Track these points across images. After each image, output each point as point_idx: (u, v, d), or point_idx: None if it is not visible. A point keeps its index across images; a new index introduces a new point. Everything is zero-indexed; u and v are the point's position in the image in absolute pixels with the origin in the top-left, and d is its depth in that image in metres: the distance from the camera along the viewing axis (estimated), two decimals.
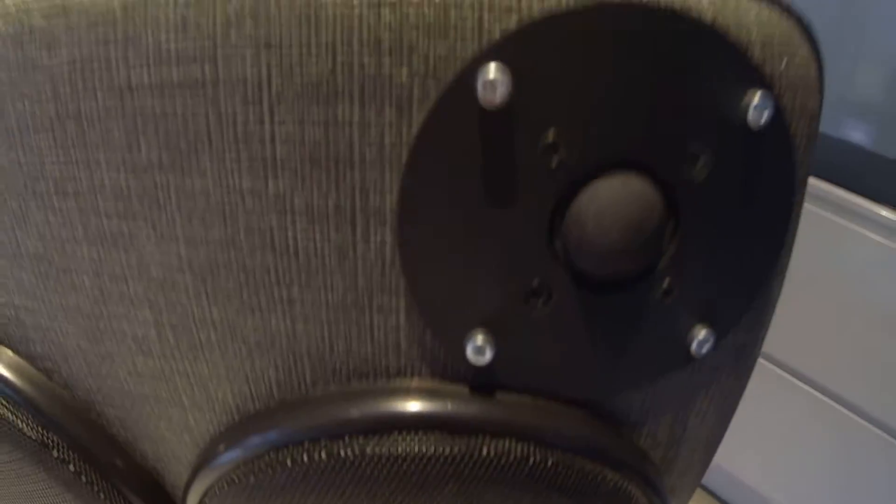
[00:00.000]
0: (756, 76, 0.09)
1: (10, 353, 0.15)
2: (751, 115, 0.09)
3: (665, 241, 0.10)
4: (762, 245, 0.10)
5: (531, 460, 0.11)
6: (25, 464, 0.15)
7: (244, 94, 0.10)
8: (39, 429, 0.15)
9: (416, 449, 0.11)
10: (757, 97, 0.09)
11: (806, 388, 0.65)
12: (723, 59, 0.09)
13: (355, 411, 0.12)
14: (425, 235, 0.10)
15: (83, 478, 0.15)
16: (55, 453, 0.15)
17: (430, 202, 0.10)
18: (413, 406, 0.11)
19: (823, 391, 0.63)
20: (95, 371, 0.14)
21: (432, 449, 0.11)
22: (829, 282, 0.62)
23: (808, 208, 0.59)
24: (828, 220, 0.62)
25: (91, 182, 0.11)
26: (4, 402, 0.15)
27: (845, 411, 0.62)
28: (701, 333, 0.11)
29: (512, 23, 0.09)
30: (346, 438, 0.11)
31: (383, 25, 0.09)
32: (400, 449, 0.11)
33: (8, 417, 0.15)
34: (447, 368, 0.11)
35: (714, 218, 0.10)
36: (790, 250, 0.11)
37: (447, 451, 0.11)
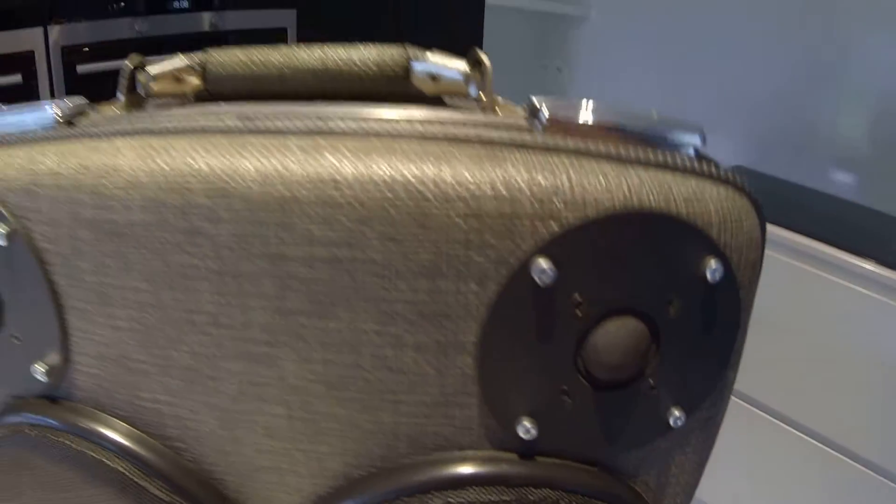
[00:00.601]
0: (714, 248, 0.16)
1: (144, 435, 0.20)
2: (709, 275, 0.16)
3: (650, 356, 0.17)
4: (718, 354, 0.17)
5: (560, 500, 0.18)
6: None
7: (374, 270, 0.16)
8: (169, 492, 0.20)
9: (484, 498, 0.18)
10: (713, 263, 0.16)
11: (793, 431, 0.73)
12: (692, 240, 0.16)
13: (439, 473, 0.18)
14: (495, 360, 0.17)
15: None
16: (165, 497, 0.20)
17: (499, 341, 0.16)
18: (481, 469, 0.18)
19: (810, 434, 0.72)
20: (224, 450, 0.20)
21: (495, 497, 0.18)
22: (815, 332, 0.71)
23: (793, 263, 0.68)
24: (811, 273, 0.71)
25: (244, 319, 0.17)
26: (140, 473, 0.20)
27: (830, 451, 0.70)
28: (676, 412, 0.18)
29: (555, 228, 0.16)
30: (432, 493, 0.18)
31: (471, 230, 0.16)
32: (472, 498, 0.18)
33: (144, 485, 0.20)
34: (503, 442, 0.18)
35: (684, 340, 0.17)
36: (740, 352, 0.18)
37: (504, 498, 0.18)
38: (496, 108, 0.19)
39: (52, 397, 0.21)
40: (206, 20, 0.75)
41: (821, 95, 0.94)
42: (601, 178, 0.16)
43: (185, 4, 0.72)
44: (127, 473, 0.20)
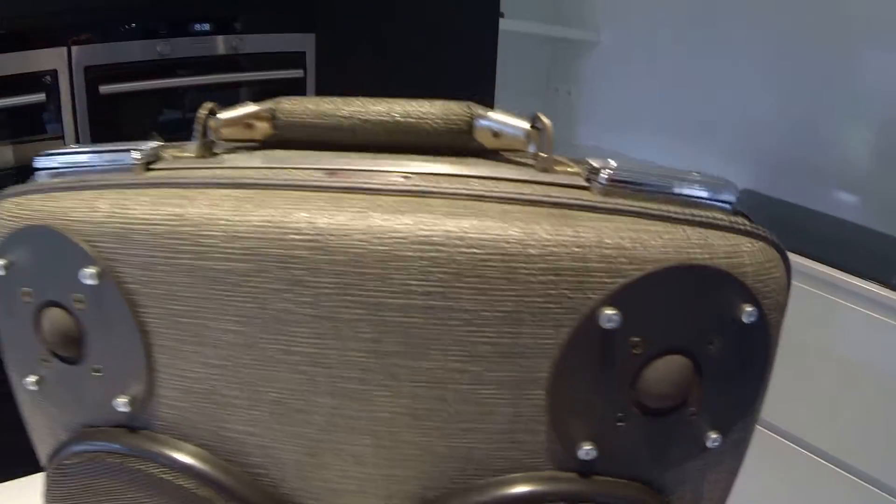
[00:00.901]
0: (749, 295, 0.20)
1: (226, 463, 0.23)
2: (744, 318, 0.20)
3: (693, 387, 0.21)
4: (750, 385, 0.21)
5: None
6: None
7: (464, 318, 0.19)
8: None
9: (552, 489, 0.21)
10: (748, 308, 0.20)
11: (806, 453, 0.77)
12: (731, 289, 0.20)
13: (504, 493, 0.21)
14: (564, 393, 0.20)
15: None
16: None
17: (568, 376, 0.20)
18: (544, 487, 0.21)
19: (822, 455, 0.76)
20: (307, 475, 0.22)
21: None
22: (825, 354, 0.76)
23: (800, 286, 0.73)
24: (815, 294, 0.76)
25: (340, 359, 0.20)
26: (224, 499, 0.23)
27: (842, 472, 0.75)
28: (713, 435, 0.21)
29: (620, 282, 0.19)
30: None
31: (549, 284, 0.19)
32: None
33: None
34: (563, 463, 0.21)
35: (722, 374, 0.21)
36: (768, 381, 0.22)
37: None
38: (555, 166, 0.22)
39: (130, 427, 0.24)
40: (226, 43, 0.77)
41: (826, 119, 1.00)
42: (657, 237, 0.19)
43: (206, 28, 0.75)
44: (212, 499, 0.22)
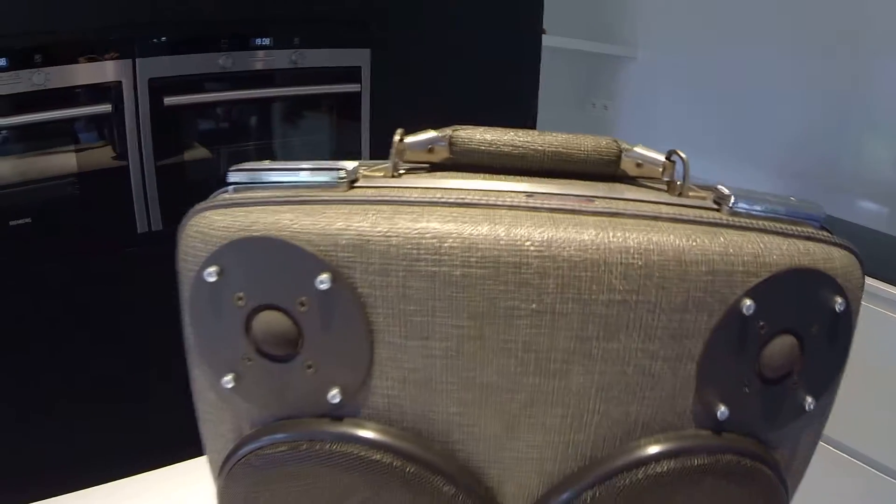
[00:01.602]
0: (840, 290, 0.30)
1: (430, 441, 0.30)
2: (837, 308, 0.30)
3: (797, 362, 0.31)
4: (838, 359, 0.32)
5: (739, 462, 0.31)
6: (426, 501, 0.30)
7: (648, 308, 0.28)
8: (452, 486, 0.30)
9: (692, 462, 0.30)
10: (839, 300, 0.30)
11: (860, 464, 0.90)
12: (828, 285, 0.30)
13: (664, 448, 0.30)
14: (709, 366, 0.29)
15: (455, 498, 0.31)
16: (449, 490, 0.30)
17: (714, 352, 0.29)
18: (692, 442, 0.30)
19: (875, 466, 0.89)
20: (500, 447, 0.30)
21: (703, 462, 0.30)
22: (868, 366, 0.91)
23: None
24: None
25: (549, 344, 0.28)
26: (429, 473, 0.30)
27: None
28: (809, 399, 0.32)
29: (755, 280, 0.29)
30: (662, 461, 0.30)
31: (708, 281, 0.28)
32: (685, 463, 0.30)
33: (433, 483, 0.30)
34: (702, 423, 0.31)
35: (820, 351, 0.31)
36: (847, 357, 0.32)
37: (705, 461, 0.31)
38: (689, 192, 0.32)
39: (335, 416, 0.30)
40: (286, 57, 0.83)
41: (852, 131, 1.16)
42: (778, 247, 0.29)
43: (267, 42, 0.81)
44: (421, 476, 0.30)
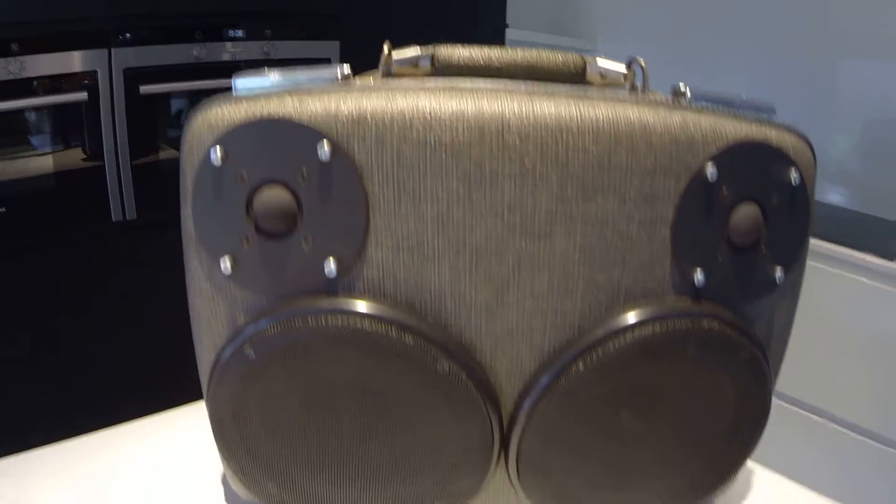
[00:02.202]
0: (794, 163, 0.35)
1: (423, 314, 0.33)
2: (792, 180, 0.35)
3: (763, 231, 0.35)
4: (799, 231, 0.36)
5: (719, 329, 0.34)
6: (422, 382, 0.33)
7: (621, 170, 0.32)
8: (445, 360, 0.33)
9: (676, 325, 0.34)
10: (794, 172, 0.35)
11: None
12: (782, 159, 0.35)
13: (648, 313, 0.33)
14: (682, 231, 0.33)
15: (453, 379, 0.33)
16: (444, 367, 0.33)
17: (685, 217, 0.33)
18: (673, 307, 0.34)
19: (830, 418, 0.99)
20: (491, 316, 0.33)
21: (681, 325, 0.34)
22: (827, 322, 1.01)
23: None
24: (820, 270, 1.03)
25: (532, 205, 0.32)
26: (423, 344, 0.32)
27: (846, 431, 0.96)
28: (778, 271, 0.36)
29: (714, 148, 0.33)
30: (648, 324, 0.33)
31: (672, 149, 0.33)
32: (669, 326, 0.33)
33: (425, 356, 0.32)
34: (682, 290, 0.34)
35: (781, 221, 0.35)
36: (808, 234, 0.36)
37: (687, 325, 0.34)
38: (649, 94, 0.37)
39: (330, 292, 0.33)
40: (258, 48, 0.91)
41: (815, 120, 1.32)
42: (734, 125, 0.34)
43: (239, 34, 0.89)
44: (415, 348, 0.32)
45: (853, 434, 1.02)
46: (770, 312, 0.37)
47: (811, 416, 1.06)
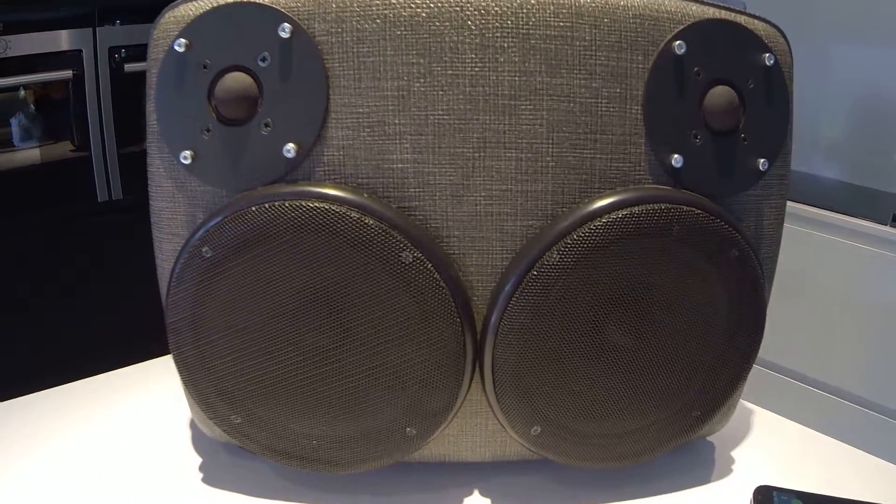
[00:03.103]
0: (767, 47, 0.37)
1: (385, 199, 0.34)
2: (766, 62, 0.37)
3: (741, 116, 0.36)
4: (780, 118, 0.37)
5: (707, 219, 0.35)
6: (386, 276, 0.33)
7: (584, 45, 0.34)
8: (411, 248, 0.33)
9: (654, 209, 0.34)
10: (767, 55, 0.37)
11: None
12: (754, 41, 0.37)
13: (625, 197, 0.34)
14: (654, 110, 0.35)
15: (418, 270, 0.33)
16: (408, 256, 0.33)
17: (656, 95, 0.35)
18: (652, 192, 0.35)
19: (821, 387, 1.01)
20: (458, 200, 0.34)
21: (661, 212, 0.34)
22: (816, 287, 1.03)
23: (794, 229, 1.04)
24: (811, 235, 1.08)
25: (495, 78, 0.34)
26: (385, 227, 0.33)
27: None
28: (762, 160, 0.37)
29: (681, 24, 0.35)
30: (626, 209, 0.34)
31: (637, 24, 0.35)
32: (647, 210, 0.34)
33: (389, 240, 0.33)
34: (660, 178, 0.35)
35: (759, 106, 0.37)
36: (791, 121, 0.38)
37: (666, 212, 0.34)
38: None
39: (289, 179, 0.34)
40: None
41: (802, 95, 1.44)
42: (699, 7, 0.36)
43: None
44: (376, 232, 0.33)
45: (848, 402, 1.07)
46: (757, 210, 0.38)
47: (805, 385, 1.12)
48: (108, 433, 0.47)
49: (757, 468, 0.45)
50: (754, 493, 0.40)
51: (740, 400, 0.52)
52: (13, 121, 0.89)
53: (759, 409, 0.50)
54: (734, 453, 0.46)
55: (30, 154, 0.90)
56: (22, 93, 0.88)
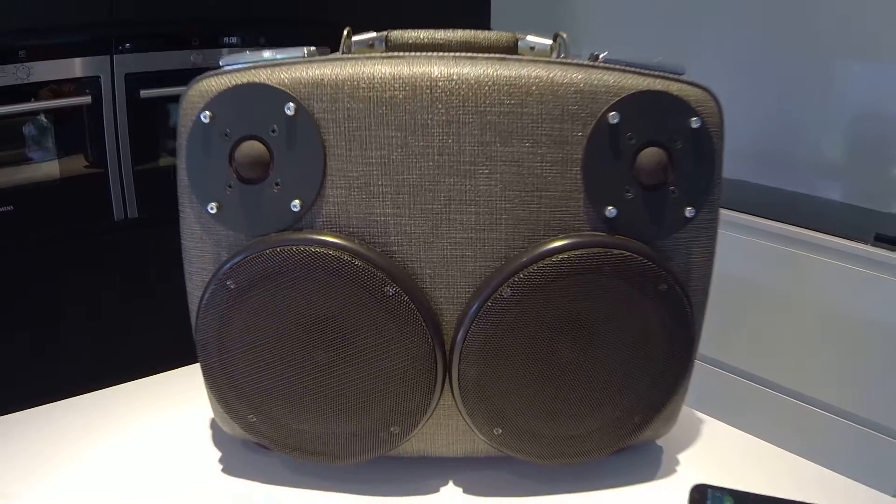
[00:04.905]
0: (694, 111, 0.52)
1: (370, 244, 0.50)
2: (693, 125, 0.51)
3: (670, 172, 0.51)
4: (706, 173, 0.52)
5: (632, 259, 0.50)
6: (373, 306, 0.49)
7: (532, 118, 0.50)
8: (392, 284, 0.50)
9: (590, 253, 0.50)
10: (694, 118, 0.52)
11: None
12: (682, 107, 0.52)
13: (566, 242, 0.50)
14: (592, 170, 0.50)
15: (398, 302, 0.49)
16: (390, 290, 0.49)
17: (593, 158, 0.50)
18: (588, 238, 0.50)
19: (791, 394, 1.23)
20: (429, 245, 0.50)
21: (596, 255, 0.50)
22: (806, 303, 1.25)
23: (774, 247, 1.21)
24: (792, 253, 1.29)
25: (458, 148, 0.50)
26: (371, 268, 0.49)
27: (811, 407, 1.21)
28: (689, 209, 0.52)
29: (617, 97, 0.50)
30: (566, 252, 0.49)
31: (578, 100, 0.50)
32: (584, 254, 0.49)
33: (374, 279, 0.49)
34: (597, 225, 0.51)
35: (687, 163, 0.51)
36: (720, 177, 0.52)
37: (601, 256, 0.50)
38: (570, 59, 0.54)
39: (296, 228, 0.51)
40: None
41: (795, 113, 1.61)
42: (638, 79, 0.51)
43: (235, 41, 1.15)
44: (364, 271, 0.49)
45: (829, 414, 1.32)
46: (687, 250, 0.53)
47: (788, 398, 1.38)
48: (141, 432, 0.65)
49: (697, 469, 0.60)
50: (691, 491, 0.55)
51: (693, 410, 0.67)
52: (31, 140, 1.08)
53: (707, 417, 0.65)
54: (679, 455, 0.61)
55: (49, 171, 1.09)
56: (42, 116, 1.07)
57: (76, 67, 1.10)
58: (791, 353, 1.34)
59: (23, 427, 0.65)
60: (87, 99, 1.11)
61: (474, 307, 0.51)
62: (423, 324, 0.51)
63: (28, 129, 1.06)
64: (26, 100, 1.05)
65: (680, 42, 1.83)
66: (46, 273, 1.12)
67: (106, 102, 1.12)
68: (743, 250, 1.43)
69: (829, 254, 1.26)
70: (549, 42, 0.56)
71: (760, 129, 1.74)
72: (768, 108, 1.72)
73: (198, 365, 0.55)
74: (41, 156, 1.10)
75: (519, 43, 0.57)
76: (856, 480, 0.60)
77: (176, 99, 1.21)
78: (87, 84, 1.11)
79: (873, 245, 1.20)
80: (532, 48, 0.57)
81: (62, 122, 1.11)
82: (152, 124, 1.20)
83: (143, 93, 1.15)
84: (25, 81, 1.02)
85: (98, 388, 0.71)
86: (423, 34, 0.56)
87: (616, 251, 0.51)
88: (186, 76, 1.22)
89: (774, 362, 1.37)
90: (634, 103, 0.51)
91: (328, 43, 1.38)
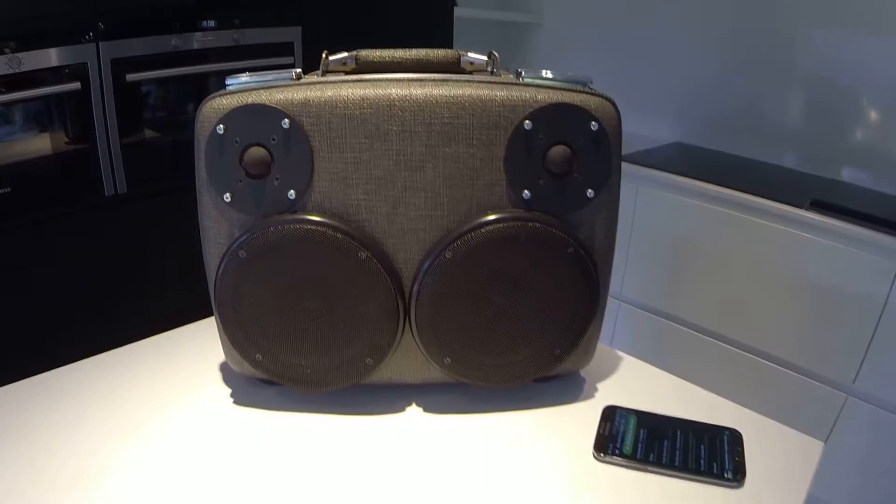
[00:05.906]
0: (593, 117, 0.76)
1: (350, 221, 0.73)
2: (592, 128, 0.75)
3: (574, 163, 0.74)
4: (602, 164, 0.76)
5: (544, 229, 0.74)
6: (350, 267, 0.73)
7: (466, 126, 0.73)
8: (366, 252, 0.74)
9: (511, 225, 0.73)
10: (593, 123, 0.75)
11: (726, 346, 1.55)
12: (584, 114, 0.75)
13: (495, 216, 0.73)
14: (511, 163, 0.74)
15: (368, 263, 0.73)
16: (363, 255, 0.73)
17: (512, 154, 0.74)
18: (510, 213, 0.74)
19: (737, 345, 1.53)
20: (391, 221, 0.75)
21: (516, 227, 0.73)
22: (749, 264, 1.53)
23: (725, 212, 1.47)
24: (739, 218, 1.58)
25: (411, 150, 0.75)
26: (350, 240, 0.73)
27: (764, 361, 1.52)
28: (590, 191, 0.76)
29: (531, 109, 0.73)
30: (491, 225, 0.73)
31: (501, 111, 0.74)
32: (506, 226, 0.73)
33: (355, 248, 0.73)
34: (516, 203, 0.75)
35: (587, 156, 0.75)
36: (617, 167, 0.76)
37: (519, 227, 0.74)
38: (502, 74, 0.77)
39: (292, 211, 0.74)
40: (229, 37, 1.38)
41: (754, 83, 1.82)
42: (547, 93, 0.74)
43: (212, 24, 1.35)
44: (343, 241, 0.73)
45: (766, 362, 1.60)
46: (590, 222, 0.76)
47: (731, 348, 1.70)
48: (167, 379, 0.90)
49: (611, 394, 0.84)
50: (603, 410, 0.80)
51: (619, 351, 0.91)
52: (24, 126, 1.29)
53: (630, 357, 0.90)
54: (598, 384, 0.86)
55: (42, 156, 1.31)
56: (34, 103, 1.26)
57: (65, 55, 1.28)
58: (734, 308, 1.60)
59: (64, 383, 0.89)
60: (76, 85, 1.30)
61: (425, 266, 0.75)
62: (388, 279, 0.75)
63: (19, 117, 1.26)
64: (19, 88, 1.23)
65: (627, 15, 2.09)
66: (43, 249, 1.33)
67: (94, 87, 1.31)
68: (691, 213, 1.64)
69: (769, 217, 1.48)
70: (485, 58, 0.78)
71: (711, 96, 2.00)
72: (723, 75, 1.97)
73: (197, 324, 0.79)
74: (34, 140, 1.29)
75: (461, 59, 0.79)
76: (787, 425, 0.82)
77: (159, 81, 1.55)
78: (75, 70, 1.30)
79: (808, 210, 1.41)
80: (471, 63, 0.79)
81: (53, 108, 1.31)
82: (137, 106, 1.41)
83: (129, 76, 1.35)
84: (17, 71, 1.21)
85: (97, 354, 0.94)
86: (385, 53, 0.78)
87: (531, 223, 0.75)
88: (168, 59, 1.56)
89: (718, 315, 1.62)
90: (545, 113, 0.74)
91: (301, 22, 1.61)
